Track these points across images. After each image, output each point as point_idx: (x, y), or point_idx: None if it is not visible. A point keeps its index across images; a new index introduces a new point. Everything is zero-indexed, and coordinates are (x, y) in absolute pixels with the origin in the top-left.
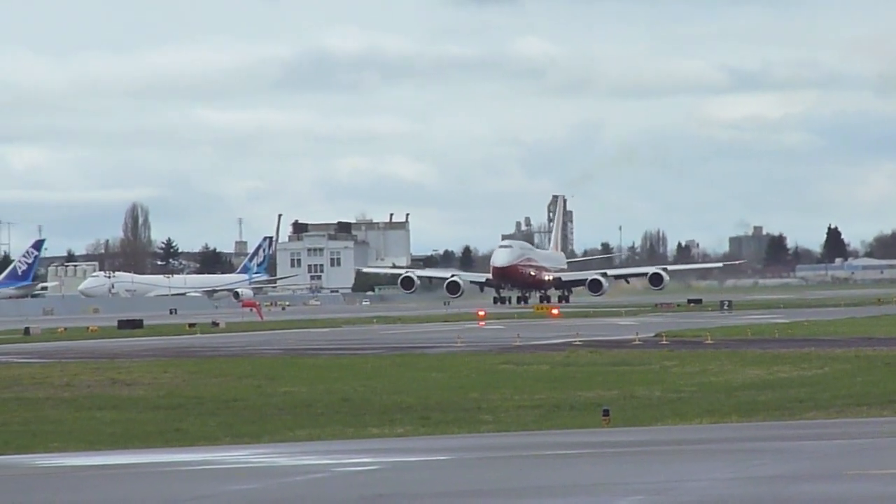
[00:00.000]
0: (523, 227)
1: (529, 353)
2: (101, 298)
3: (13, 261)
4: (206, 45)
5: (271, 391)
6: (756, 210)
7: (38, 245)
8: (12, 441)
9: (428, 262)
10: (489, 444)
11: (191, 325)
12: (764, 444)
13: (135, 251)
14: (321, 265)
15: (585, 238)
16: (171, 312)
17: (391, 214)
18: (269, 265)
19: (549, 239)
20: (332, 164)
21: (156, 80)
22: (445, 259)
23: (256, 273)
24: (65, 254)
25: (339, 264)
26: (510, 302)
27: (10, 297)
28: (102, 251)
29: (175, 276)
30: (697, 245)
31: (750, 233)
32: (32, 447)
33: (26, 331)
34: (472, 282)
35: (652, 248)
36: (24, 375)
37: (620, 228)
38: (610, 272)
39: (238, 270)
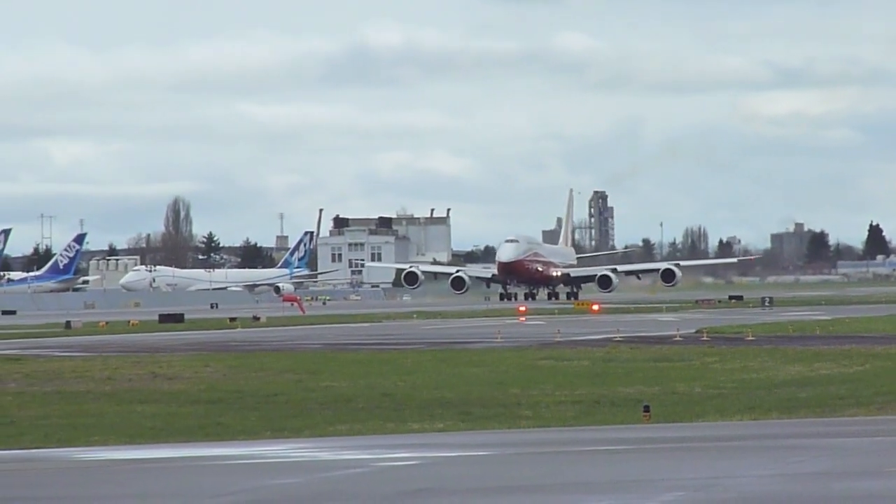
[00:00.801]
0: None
1: (570, 349)
2: (142, 292)
3: (55, 254)
4: (248, 39)
5: (312, 386)
6: (798, 206)
7: (79, 239)
8: (53, 434)
9: (468, 257)
10: (529, 439)
11: (232, 320)
12: (804, 440)
13: (176, 245)
14: (362, 260)
15: (626, 234)
16: (212, 307)
17: (432, 210)
18: (310, 260)
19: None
20: (374, 159)
21: (198, 75)
22: (486, 254)
23: (297, 268)
24: (106, 248)
25: (379, 259)
26: (516, 298)
27: (52, 291)
28: (144, 245)
29: (216, 270)
30: (739, 241)
31: (791, 229)
32: (73, 440)
33: (67, 324)
34: (477, 277)
35: (693, 245)
36: (65, 369)
37: (661, 225)
38: (620, 268)
39: (279, 265)
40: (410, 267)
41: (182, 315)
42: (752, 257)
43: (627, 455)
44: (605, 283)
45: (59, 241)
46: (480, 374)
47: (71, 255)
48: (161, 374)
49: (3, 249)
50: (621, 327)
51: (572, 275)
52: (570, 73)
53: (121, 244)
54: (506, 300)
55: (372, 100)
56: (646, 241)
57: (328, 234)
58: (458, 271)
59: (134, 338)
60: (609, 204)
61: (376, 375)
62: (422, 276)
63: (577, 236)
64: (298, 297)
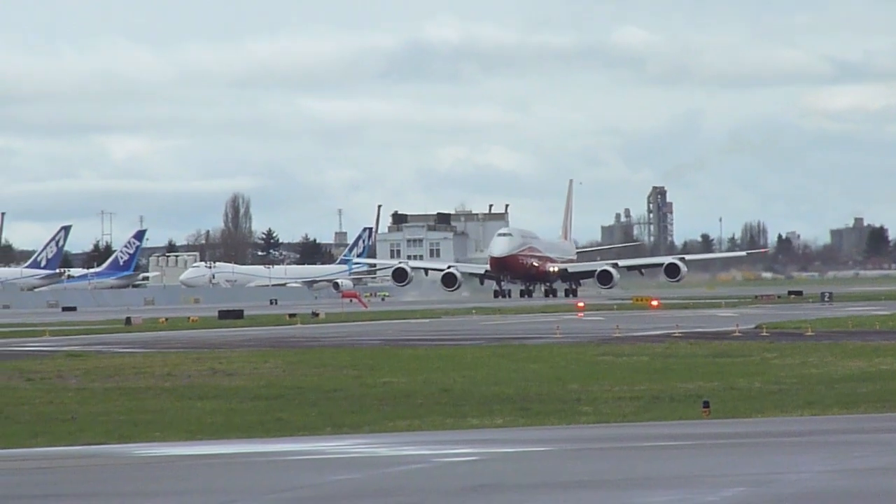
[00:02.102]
0: (623, 218)
1: (629, 345)
2: (201, 289)
3: (115, 251)
4: (309, 34)
5: (371, 382)
6: (857, 201)
7: (139, 235)
8: (114, 430)
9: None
10: (588, 435)
11: (291, 316)
12: (865, 436)
13: (235, 241)
14: (420, 256)
15: (685, 229)
16: (271, 303)
17: (490, 205)
18: (369, 256)
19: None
20: (432, 155)
21: (258, 70)
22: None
23: (356, 264)
24: (166, 244)
25: (438, 255)
26: (509, 296)
27: (112, 287)
28: (203, 241)
29: (275, 266)
30: (798, 236)
31: (851, 224)
32: (134, 437)
33: (128, 321)
34: (470, 274)
35: (752, 240)
36: (125, 365)
37: (720, 220)
38: (622, 263)
39: (338, 261)
40: (399, 263)
41: (241, 311)
42: (763, 250)
43: (687, 451)
44: (605, 278)
45: (119, 237)
46: (539, 369)
47: (131, 251)
48: (221, 371)
49: (63, 246)
50: (680, 323)
51: (570, 270)
52: (629, 68)
53: (180, 240)
54: (500, 297)
55: (431, 95)
56: (704, 237)
57: (387, 230)
58: (449, 267)
59: (194, 334)
60: (668, 199)
61: (435, 371)
62: (411, 273)
63: (635, 232)
64: (358, 293)
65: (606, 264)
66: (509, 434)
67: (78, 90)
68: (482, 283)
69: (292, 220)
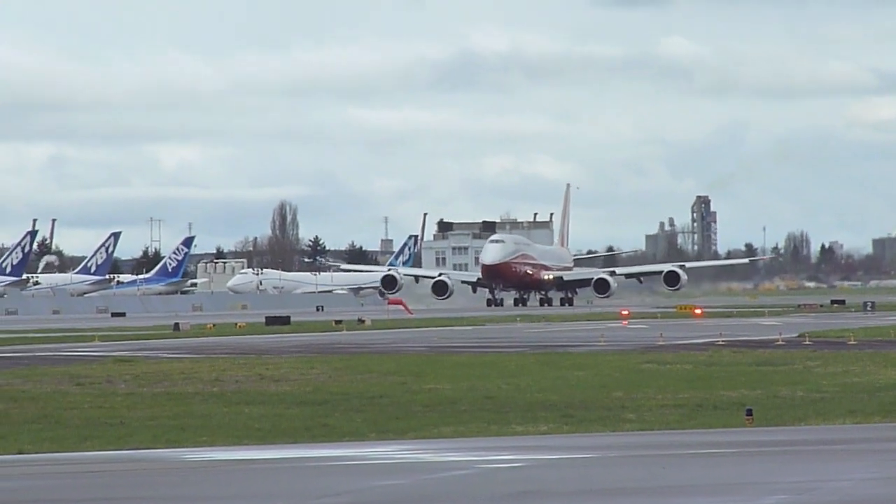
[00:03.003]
0: (667, 228)
1: (672, 353)
2: (249, 295)
3: (164, 257)
4: (358, 44)
5: (416, 388)
6: None
7: (187, 242)
8: (162, 435)
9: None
10: (632, 442)
11: (337, 322)
12: None
13: (282, 249)
14: (466, 264)
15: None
16: (317, 309)
17: (535, 214)
18: (414, 263)
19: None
20: (478, 164)
21: (308, 80)
22: (588, 259)
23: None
24: (214, 251)
25: None
26: (502, 304)
27: (161, 294)
28: (251, 248)
29: (322, 273)
30: (842, 246)
31: (894, 234)
32: (182, 441)
33: (176, 326)
34: (463, 281)
35: (795, 249)
36: (173, 371)
37: (764, 229)
38: (619, 270)
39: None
40: (389, 270)
41: (288, 317)
42: (765, 257)
43: (730, 458)
44: (601, 287)
45: (167, 244)
46: (583, 377)
47: (179, 257)
48: (268, 376)
49: (113, 252)
50: (724, 331)
51: (566, 278)
52: (675, 78)
53: (228, 247)
54: (493, 306)
55: (478, 105)
56: (748, 246)
57: (432, 237)
58: (440, 275)
59: (241, 340)
60: (712, 208)
61: (480, 378)
62: (401, 281)
63: (679, 241)
64: (402, 300)
65: (603, 272)
66: (553, 441)
67: (130, 99)
68: (475, 290)
69: (339, 227)
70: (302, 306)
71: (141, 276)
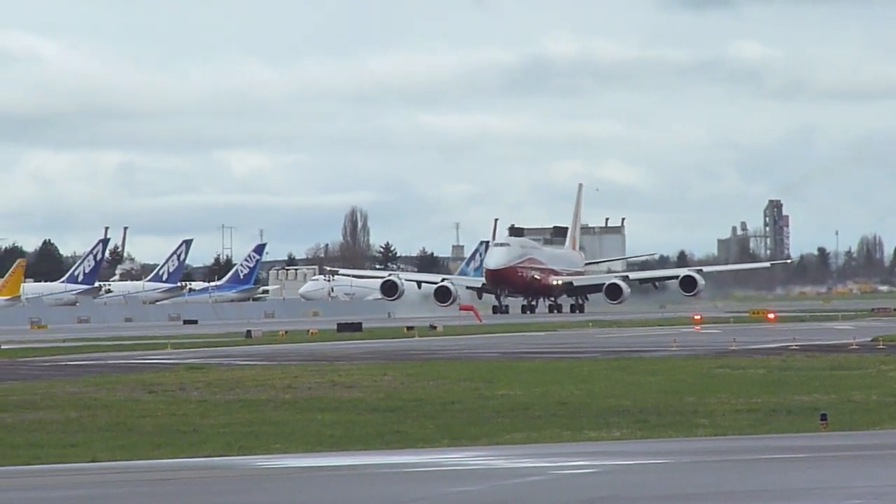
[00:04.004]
0: (739, 232)
1: (746, 357)
2: (320, 302)
3: (235, 264)
4: (427, 50)
5: (489, 394)
6: None
7: (259, 249)
8: (235, 442)
9: (643, 266)
10: (706, 447)
11: (409, 329)
12: None
13: (354, 255)
14: None
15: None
16: (388, 316)
17: (606, 219)
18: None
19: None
20: (549, 168)
21: (377, 85)
22: (661, 263)
23: (473, 277)
24: (285, 257)
25: None
26: (508, 311)
27: (232, 301)
28: (322, 255)
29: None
30: None
31: None
32: (255, 448)
33: (248, 334)
34: (467, 287)
35: (868, 253)
36: (246, 378)
37: (837, 233)
38: (633, 275)
39: (456, 274)
40: (390, 275)
41: (360, 324)
42: (787, 261)
43: (805, 463)
44: (614, 293)
45: (239, 251)
46: (656, 382)
47: (251, 264)
48: (340, 383)
49: (185, 260)
50: (797, 336)
51: (576, 284)
52: (746, 81)
53: (300, 254)
54: (500, 313)
55: (548, 109)
56: (821, 250)
57: None
58: (443, 280)
59: (313, 347)
60: (784, 212)
61: (552, 384)
62: (402, 286)
63: (751, 245)
64: (473, 306)
65: (615, 277)
66: (626, 447)
67: (200, 106)
68: (480, 297)
69: (410, 233)
70: (373, 312)
71: (213, 284)
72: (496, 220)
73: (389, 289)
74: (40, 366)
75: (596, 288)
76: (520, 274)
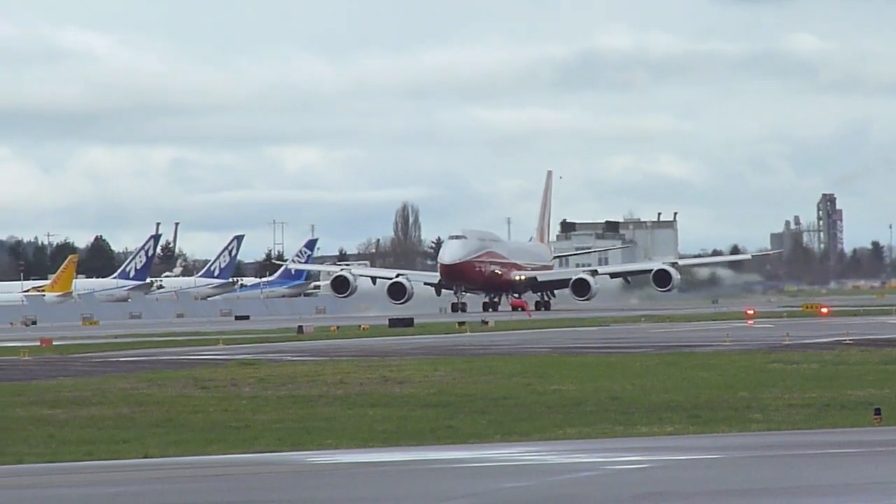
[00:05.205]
0: (792, 226)
1: (799, 352)
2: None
3: (286, 260)
4: (481, 45)
5: (541, 389)
6: None
7: (310, 244)
8: (287, 438)
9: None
10: (759, 442)
11: (460, 324)
12: None
13: (405, 250)
14: (589, 264)
15: (855, 237)
16: (440, 311)
17: (659, 213)
18: None
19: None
20: (601, 163)
21: (431, 80)
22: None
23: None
24: (336, 253)
25: (606, 263)
26: (464, 309)
27: (284, 296)
28: (373, 250)
29: None
30: None
31: None
32: (306, 444)
33: (299, 329)
34: (425, 283)
35: None
36: (298, 373)
37: (890, 227)
38: (602, 269)
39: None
40: (341, 270)
41: (411, 319)
42: (769, 252)
43: (859, 458)
44: (581, 288)
45: (290, 246)
46: (709, 377)
47: (302, 260)
48: (392, 378)
49: (236, 255)
50: (850, 330)
51: (540, 279)
52: (800, 75)
53: (351, 249)
54: (459, 311)
55: (601, 104)
56: (875, 244)
57: (555, 238)
58: (397, 276)
59: (364, 342)
60: (837, 206)
61: (604, 379)
62: (354, 283)
63: (804, 240)
64: (525, 302)
65: (583, 272)
66: (679, 442)
67: (252, 102)
68: (439, 293)
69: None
70: (425, 308)
71: (264, 279)
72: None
73: (340, 285)
74: (92, 362)
75: (562, 283)
76: (477, 269)
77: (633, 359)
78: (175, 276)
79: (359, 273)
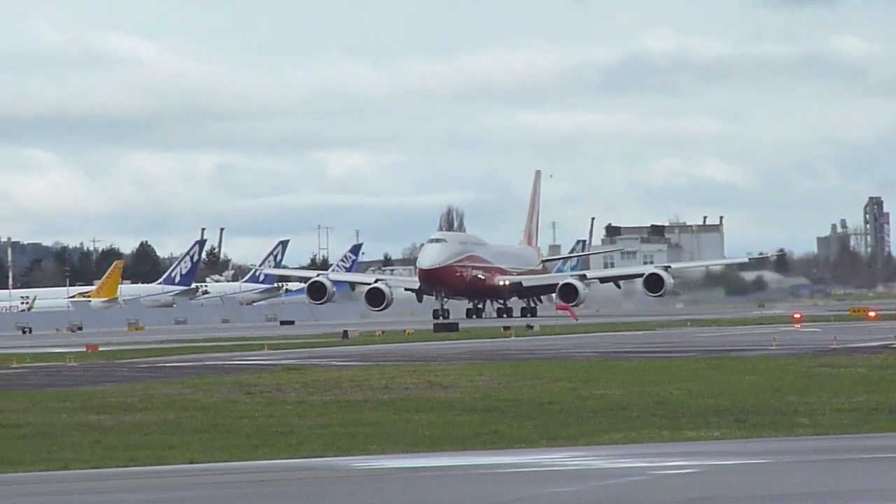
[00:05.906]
0: (839, 229)
1: (846, 356)
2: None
3: (332, 265)
4: (526, 48)
5: (586, 394)
6: None
7: (355, 249)
8: (332, 443)
9: (742, 266)
10: (806, 447)
11: (505, 329)
12: None
13: None
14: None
15: None
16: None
17: (705, 217)
18: (582, 268)
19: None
20: (646, 167)
21: (476, 84)
22: (759, 262)
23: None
24: (381, 258)
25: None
26: (447, 316)
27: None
28: (418, 255)
29: None
30: None
31: None
32: (352, 449)
33: (344, 334)
34: (405, 289)
35: None
36: (343, 378)
37: None
38: (591, 274)
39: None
40: (318, 276)
41: (456, 324)
42: (767, 255)
43: None
44: (568, 294)
45: (335, 251)
46: (756, 381)
47: (347, 265)
48: (437, 383)
49: (281, 260)
50: None
51: (525, 284)
52: (846, 78)
53: (396, 254)
54: (441, 318)
55: (647, 107)
56: None
57: (600, 242)
58: (376, 281)
59: (409, 347)
60: (885, 209)
61: (650, 383)
62: (331, 289)
63: (851, 243)
64: (569, 306)
65: (570, 276)
66: (726, 446)
67: (297, 107)
68: (420, 299)
69: (506, 232)
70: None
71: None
72: (593, 218)
73: (317, 291)
74: (138, 367)
75: (549, 288)
76: (458, 274)
77: (679, 363)
78: (226, 281)
79: (336, 278)
